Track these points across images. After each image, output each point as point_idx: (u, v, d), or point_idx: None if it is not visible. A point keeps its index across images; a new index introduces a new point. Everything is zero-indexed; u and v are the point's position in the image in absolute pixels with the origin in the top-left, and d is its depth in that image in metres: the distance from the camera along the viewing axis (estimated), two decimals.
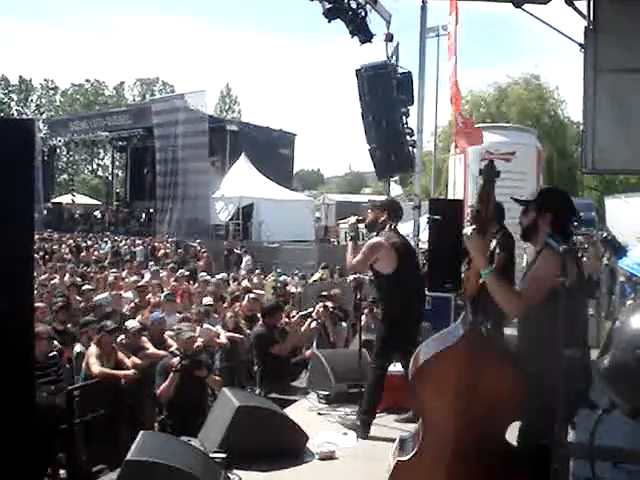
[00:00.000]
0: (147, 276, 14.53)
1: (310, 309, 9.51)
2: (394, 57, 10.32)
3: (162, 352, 7.59)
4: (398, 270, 5.95)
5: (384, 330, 6.10)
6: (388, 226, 6.14)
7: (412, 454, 3.84)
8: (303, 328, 8.59)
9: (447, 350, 3.74)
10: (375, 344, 6.23)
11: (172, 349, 7.21)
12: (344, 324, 9.25)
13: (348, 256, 6.21)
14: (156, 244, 26.75)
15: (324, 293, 10.80)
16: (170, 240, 27.16)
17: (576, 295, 3.48)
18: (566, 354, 3.36)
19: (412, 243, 8.80)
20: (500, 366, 3.68)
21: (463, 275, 8.38)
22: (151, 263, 20.23)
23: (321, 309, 8.83)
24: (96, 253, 24.02)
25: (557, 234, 3.66)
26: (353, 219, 6.69)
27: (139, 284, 11.94)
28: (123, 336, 7.63)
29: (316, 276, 17.31)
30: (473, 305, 3.73)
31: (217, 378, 7.18)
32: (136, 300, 10.70)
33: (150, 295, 10.95)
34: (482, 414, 3.65)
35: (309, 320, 8.78)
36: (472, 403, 3.64)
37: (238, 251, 24.99)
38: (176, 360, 6.56)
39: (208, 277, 14.65)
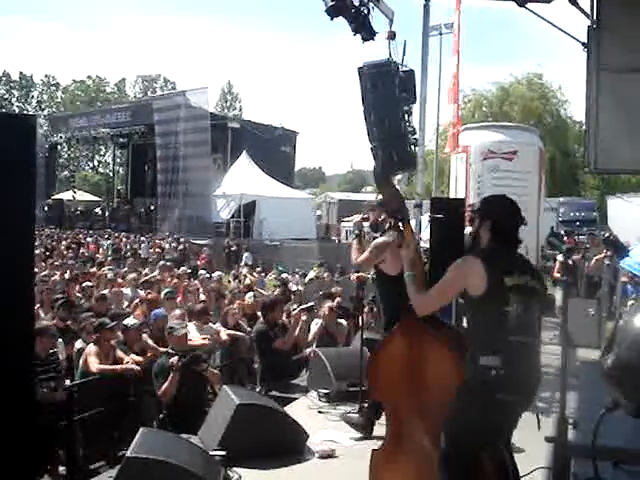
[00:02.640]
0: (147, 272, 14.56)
1: (311, 303, 9.47)
2: (396, 55, 10.27)
3: (163, 349, 7.57)
4: (402, 273, 5.91)
5: (385, 331, 6.08)
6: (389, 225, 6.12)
7: (383, 442, 4.09)
8: (312, 332, 8.56)
9: (388, 337, 4.12)
10: (377, 344, 6.23)
11: (167, 349, 7.11)
12: (344, 323, 9.22)
13: (353, 254, 6.21)
14: (157, 241, 26.75)
15: (322, 292, 10.77)
16: (174, 237, 27.14)
17: (491, 303, 3.49)
18: (480, 362, 3.42)
19: None
20: (435, 348, 3.88)
21: None
22: (154, 259, 20.27)
23: (326, 311, 8.76)
24: (101, 250, 24.02)
25: (499, 240, 3.69)
26: (358, 217, 6.68)
27: (142, 280, 11.95)
28: (121, 335, 7.63)
29: (311, 274, 17.26)
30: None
31: (215, 372, 7.17)
32: (141, 295, 10.68)
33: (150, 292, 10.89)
34: (426, 396, 3.79)
35: (314, 321, 8.76)
36: (416, 385, 3.83)
37: (234, 248, 25.04)
38: (175, 359, 6.50)
39: (207, 275, 14.67)
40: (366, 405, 6.06)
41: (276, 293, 11.59)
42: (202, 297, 11.29)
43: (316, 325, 8.72)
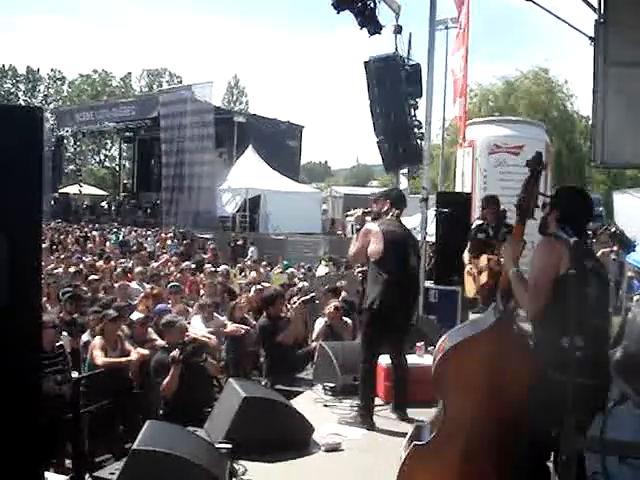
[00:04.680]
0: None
1: (312, 294, 9.44)
2: (402, 49, 10.26)
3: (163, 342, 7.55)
4: (383, 257, 5.84)
5: (365, 320, 6.06)
6: (390, 214, 6.09)
7: (430, 438, 3.88)
8: (316, 331, 8.55)
9: (478, 335, 3.77)
10: (359, 335, 6.22)
11: (163, 345, 7.07)
12: (349, 320, 9.18)
13: (350, 248, 6.21)
14: (162, 235, 26.78)
15: (328, 287, 10.74)
16: (179, 231, 27.18)
17: (573, 283, 3.36)
18: (562, 344, 3.34)
19: (419, 236, 8.75)
20: (526, 357, 3.68)
21: (466, 271, 8.38)
22: (158, 254, 20.30)
23: (331, 310, 8.72)
24: (108, 244, 24.01)
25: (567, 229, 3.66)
26: (359, 211, 6.65)
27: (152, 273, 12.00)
28: (127, 329, 7.62)
29: (322, 271, 17.30)
30: (505, 296, 3.76)
31: (214, 362, 7.16)
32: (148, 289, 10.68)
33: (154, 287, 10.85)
34: (503, 403, 3.67)
35: (318, 320, 8.74)
36: (495, 390, 3.66)
37: (240, 242, 25.05)
38: (176, 352, 6.46)
39: (213, 269, 14.68)
40: (359, 403, 6.05)
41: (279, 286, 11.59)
42: (202, 291, 11.33)
43: (320, 325, 8.70)
